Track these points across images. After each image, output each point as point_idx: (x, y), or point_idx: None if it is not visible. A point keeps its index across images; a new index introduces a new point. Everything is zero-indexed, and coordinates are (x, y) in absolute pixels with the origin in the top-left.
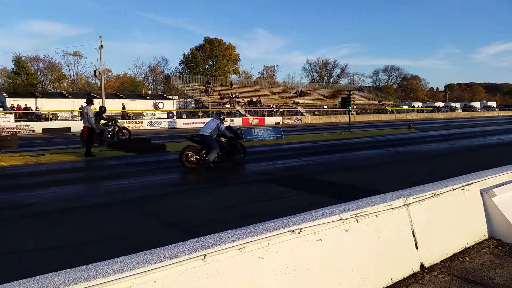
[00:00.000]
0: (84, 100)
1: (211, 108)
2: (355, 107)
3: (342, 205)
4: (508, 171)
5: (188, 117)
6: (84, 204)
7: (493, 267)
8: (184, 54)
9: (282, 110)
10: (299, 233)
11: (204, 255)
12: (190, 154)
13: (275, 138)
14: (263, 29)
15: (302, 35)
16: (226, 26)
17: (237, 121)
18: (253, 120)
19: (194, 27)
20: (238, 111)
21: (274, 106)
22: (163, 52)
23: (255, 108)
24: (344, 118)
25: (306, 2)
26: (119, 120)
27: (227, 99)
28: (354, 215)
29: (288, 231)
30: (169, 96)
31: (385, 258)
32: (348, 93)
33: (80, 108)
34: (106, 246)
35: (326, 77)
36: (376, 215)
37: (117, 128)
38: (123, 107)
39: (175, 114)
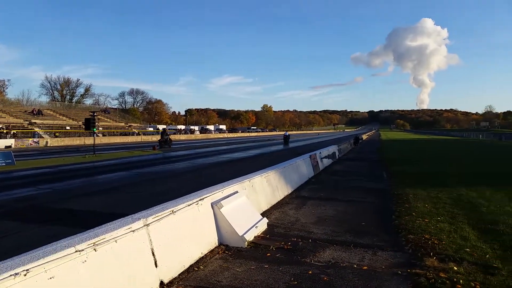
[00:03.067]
0: None
1: None
2: (100, 128)
3: (79, 235)
4: (233, 185)
5: None
6: None
7: (221, 270)
8: None
9: (15, 131)
10: (25, 275)
11: None
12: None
13: (4, 164)
14: None
15: (41, 49)
16: None
17: None
18: None
19: None
20: None
21: (4, 126)
22: None
23: None
24: (89, 140)
25: (47, 12)
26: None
27: None
28: (92, 244)
29: (11, 275)
30: None
31: (126, 283)
32: (92, 114)
33: None
34: None
35: (68, 97)
36: (116, 241)
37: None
38: None
39: None
